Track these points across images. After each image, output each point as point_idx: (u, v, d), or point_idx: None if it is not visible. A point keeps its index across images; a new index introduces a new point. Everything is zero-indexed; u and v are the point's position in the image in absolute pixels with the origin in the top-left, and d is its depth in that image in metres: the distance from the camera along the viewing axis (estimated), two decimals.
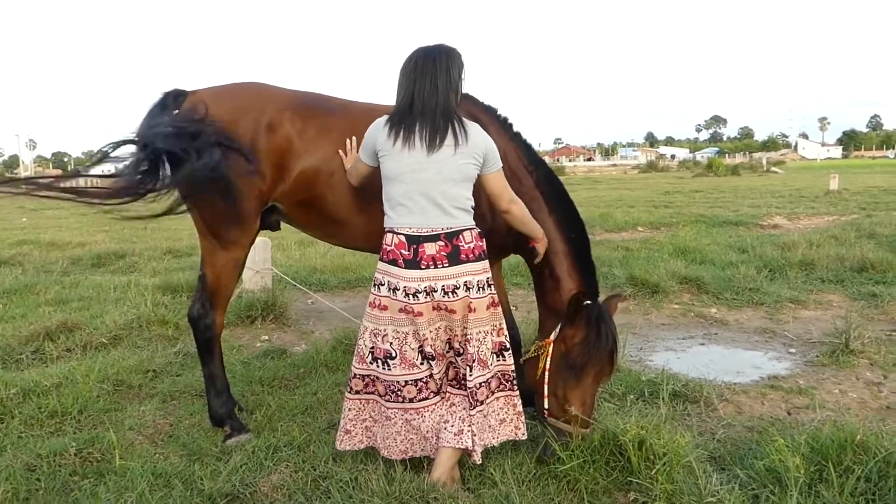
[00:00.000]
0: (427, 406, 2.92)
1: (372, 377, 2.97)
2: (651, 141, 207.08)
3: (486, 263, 2.89)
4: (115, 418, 3.88)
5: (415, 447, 2.97)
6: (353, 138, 3.28)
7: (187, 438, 3.63)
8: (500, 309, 2.97)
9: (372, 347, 2.93)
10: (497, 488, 2.86)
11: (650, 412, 3.52)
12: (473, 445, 2.84)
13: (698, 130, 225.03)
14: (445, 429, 2.89)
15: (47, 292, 7.28)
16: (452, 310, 2.82)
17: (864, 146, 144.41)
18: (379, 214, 3.11)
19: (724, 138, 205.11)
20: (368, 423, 3.04)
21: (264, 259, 7.40)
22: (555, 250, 3.35)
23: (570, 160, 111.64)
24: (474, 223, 2.91)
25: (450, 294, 2.79)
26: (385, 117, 2.92)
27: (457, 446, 2.85)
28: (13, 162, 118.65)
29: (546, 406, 3.21)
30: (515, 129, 3.50)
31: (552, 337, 3.26)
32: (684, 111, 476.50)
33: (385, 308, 2.87)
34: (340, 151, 3.33)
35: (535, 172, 3.44)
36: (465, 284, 2.80)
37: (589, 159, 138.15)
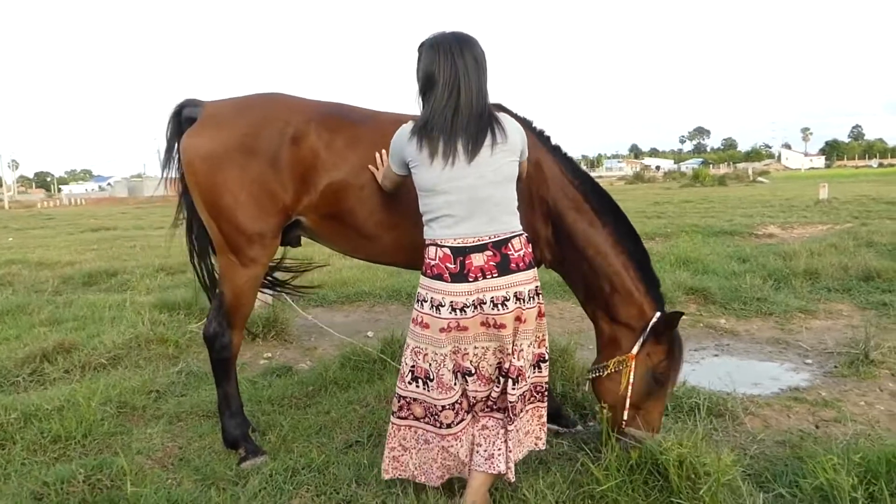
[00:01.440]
0: (463, 429, 2.76)
1: (408, 399, 2.78)
2: (636, 152, 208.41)
3: (535, 272, 2.72)
4: (121, 442, 3.71)
5: (452, 470, 2.82)
6: (383, 151, 3.13)
7: (199, 462, 3.46)
8: (545, 319, 2.81)
9: (412, 366, 2.74)
10: None
11: (675, 427, 3.40)
12: (507, 468, 2.70)
13: (682, 142, 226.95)
14: (477, 452, 2.74)
15: (40, 312, 7.06)
16: (502, 324, 2.62)
17: (846, 156, 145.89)
18: (409, 229, 2.99)
19: (708, 149, 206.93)
20: (397, 453, 2.83)
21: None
22: (613, 266, 3.26)
23: None
24: (521, 228, 2.72)
25: (499, 306, 2.60)
26: (411, 125, 2.71)
27: (489, 471, 2.71)
28: None
29: (625, 417, 3.18)
30: (553, 142, 3.38)
31: (634, 352, 3.19)
32: (668, 123, 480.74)
33: (426, 326, 2.67)
34: (371, 166, 3.18)
35: (580, 186, 3.32)
36: (516, 295, 2.62)
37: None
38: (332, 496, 2.95)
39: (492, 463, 2.70)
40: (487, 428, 2.77)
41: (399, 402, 2.80)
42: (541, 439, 2.92)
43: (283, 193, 3.20)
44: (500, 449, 2.71)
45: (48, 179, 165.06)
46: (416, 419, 2.79)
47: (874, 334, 5.20)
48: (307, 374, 4.96)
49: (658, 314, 3.24)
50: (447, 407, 2.71)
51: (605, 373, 3.26)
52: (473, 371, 2.70)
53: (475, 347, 2.68)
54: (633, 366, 3.18)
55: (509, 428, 2.71)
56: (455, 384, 2.70)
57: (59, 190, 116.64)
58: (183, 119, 3.38)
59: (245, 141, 3.16)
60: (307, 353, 5.82)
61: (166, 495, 2.99)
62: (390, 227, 3.25)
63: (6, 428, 3.70)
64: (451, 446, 2.75)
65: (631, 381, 3.17)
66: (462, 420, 2.75)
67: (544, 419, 2.93)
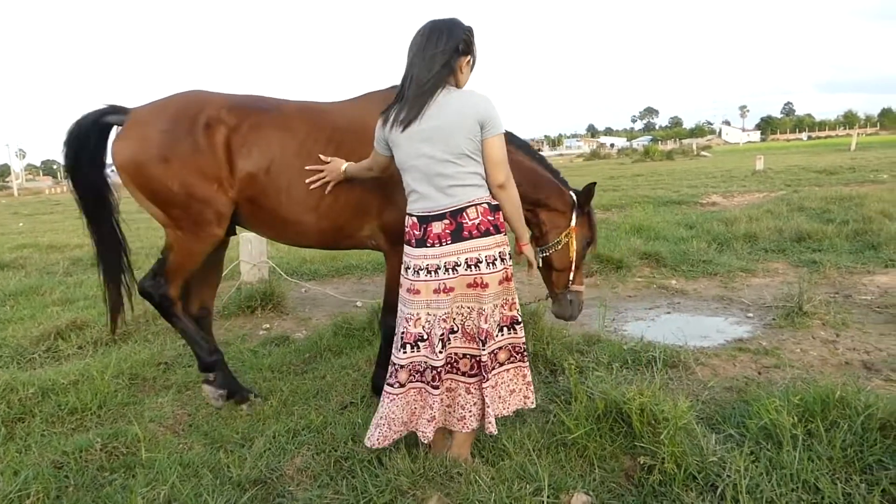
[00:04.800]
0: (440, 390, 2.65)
1: (397, 367, 2.66)
2: (592, 132, 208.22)
3: (497, 238, 2.60)
4: (134, 411, 3.65)
5: (435, 423, 2.72)
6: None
7: (208, 427, 3.42)
8: (512, 284, 2.70)
9: (402, 332, 2.66)
10: (513, 459, 2.74)
11: (636, 379, 3.42)
12: (488, 422, 2.62)
13: (633, 121, 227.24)
14: (450, 414, 2.68)
15: (53, 293, 6.92)
16: (451, 288, 2.55)
17: (779, 130, 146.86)
18: (328, 213, 3.14)
19: (657, 127, 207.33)
20: (384, 422, 2.69)
21: (260, 252, 7.20)
22: (529, 166, 3.46)
23: None
24: (482, 196, 2.59)
25: (450, 271, 2.54)
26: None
27: (464, 430, 2.67)
28: (4, 171, 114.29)
29: (572, 278, 3.56)
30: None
31: (573, 224, 3.50)
32: (620, 104, 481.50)
33: (417, 291, 2.62)
34: (322, 156, 3.15)
35: (518, 150, 3.46)
36: (467, 262, 2.54)
37: (538, 150, 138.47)
38: (331, 454, 2.92)
39: (464, 423, 2.66)
40: (452, 390, 2.67)
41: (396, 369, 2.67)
42: (528, 398, 2.80)
43: (213, 178, 3.15)
44: (470, 411, 2.66)
45: (54, 167, 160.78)
46: (409, 383, 2.68)
47: (806, 289, 5.27)
48: (303, 342, 4.93)
49: (572, 192, 3.56)
50: (429, 367, 2.63)
51: (560, 246, 3.52)
52: (426, 336, 2.62)
53: (427, 314, 2.60)
54: (573, 235, 3.51)
55: (484, 385, 2.61)
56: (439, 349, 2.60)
57: (66, 177, 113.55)
58: (102, 126, 3.32)
59: (165, 137, 3.12)
60: (302, 323, 5.77)
61: (179, 459, 2.95)
62: (307, 210, 3.20)
63: (25, 402, 3.62)
64: (434, 402, 2.65)
65: (575, 247, 3.52)
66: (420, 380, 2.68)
67: (529, 378, 2.81)
